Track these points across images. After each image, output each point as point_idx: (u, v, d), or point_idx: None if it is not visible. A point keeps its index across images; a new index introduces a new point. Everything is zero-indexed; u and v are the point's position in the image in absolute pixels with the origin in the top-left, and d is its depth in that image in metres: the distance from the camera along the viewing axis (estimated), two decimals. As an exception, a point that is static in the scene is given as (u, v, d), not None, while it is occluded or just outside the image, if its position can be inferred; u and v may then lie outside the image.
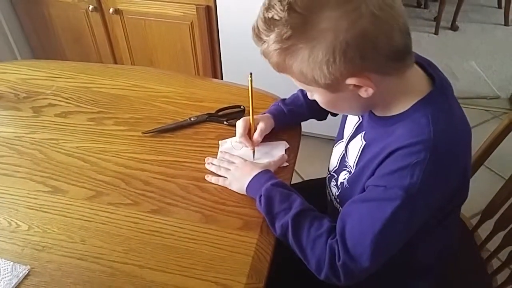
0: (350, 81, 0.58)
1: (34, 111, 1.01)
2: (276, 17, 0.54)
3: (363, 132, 0.72)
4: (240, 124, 0.87)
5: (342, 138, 0.81)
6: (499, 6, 3.07)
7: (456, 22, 2.91)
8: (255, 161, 0.86)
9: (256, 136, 0.86)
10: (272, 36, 0.56)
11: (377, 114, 0.68)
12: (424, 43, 2.79)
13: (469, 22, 2.99)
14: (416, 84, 0.64)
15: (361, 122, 0.75)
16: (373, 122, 0.69)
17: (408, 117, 0.62)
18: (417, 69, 0.65)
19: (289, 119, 0.92)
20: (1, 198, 0.80)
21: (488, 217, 0.98)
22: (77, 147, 0.91)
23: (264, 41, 0.58)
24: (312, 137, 1.71)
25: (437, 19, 2.85)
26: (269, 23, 0.55)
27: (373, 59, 0.56)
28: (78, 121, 0.98)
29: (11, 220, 0.75)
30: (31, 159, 0.88)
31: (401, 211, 0.59)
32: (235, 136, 0.91)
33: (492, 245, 0.96)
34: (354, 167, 0.73)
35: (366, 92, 0.59)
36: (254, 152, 0.87)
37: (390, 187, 0.60)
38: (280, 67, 0.60)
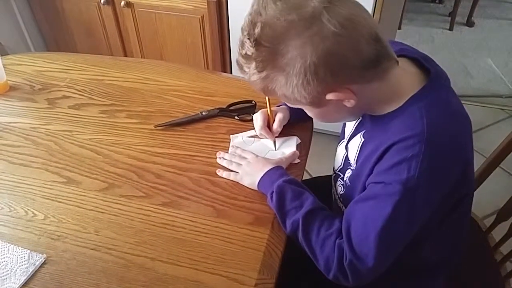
0: (330, 96, 0.61)
1: (49, 102, 1.02)
2: (248, 53, 0.59)
3: (363, 131, 0.73)
4: (258, 116, 0.89)
5: (344, 138, 0.81)
6: (517, 2, 3.01)
7: (472, 18, 2.85)
8: (266, 156, 0.86)
9: (276, 126, 0.88)
10: (251, 69, 0.61)
11: (373, 114, 0.69)
12: (437, 39, 2.75)
13: (485, 18, 2.94)
14: (406, 81, 0.64)
15: (360, 121, 0.76)
16: (371, 120, 0.71)
17: (402, 113, 0.63)
18: (408, 65, 0.66)
19: (303, 111, 0.92)
20: (18, 187, 0.81)
21: (504, 218, 0.96)
22: (90, 139, 0.92)
23: (246, 73, 0.63)
24: (321, 133, 1.70)
25: (452, 15, 2.80)
26: (245, 58, 0.61)
27: (346, 73, 0.59)
28: (91, 113, 0.99)
29: (28, 209, 0.77)
30: (46, 150, 0.89)
31: (402, 206, 0.59)
32: (247, 131, 0.92)
33: (506, 248, 0.95)
34: (355, 164, 0.73)
35: (349, 103, 0.62)
36: (275, 142, 0.89)
37: (388, 183, 0.60)
38: (266, 92, 0.65)
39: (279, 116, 0.88)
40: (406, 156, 0.59)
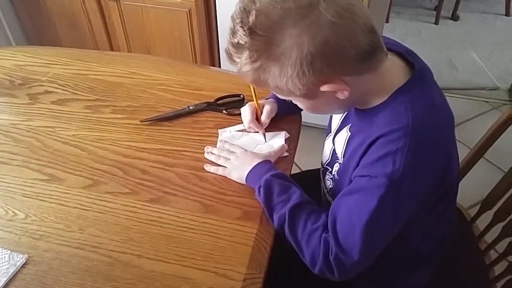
0: (324, 88, 0.60)
1: (30, 98, 0.99)
2: (241, 41, 0.57)
3: (349, 124, 0.73)
4: (246, 109, 0.88)
5: (331, 132, 0.81)
6: (501, -4, 3.05)
7: (457, 12, 2.88)
8: (255, 150, 0.85)
9: (264, 118, 0.87)
10: (242, 58, 0.59)
11: (360, 108, 0.69)
12: (424, 32, 2.77)
13: (470, 12, 2.97)
14: (394, 74, 0.64)
15: (346, 115, 0.76)
16: (357, 114, 0.70)
17: (387, 106, 0.63)
18: (394, 59, 0.66)
19: (291, 104, 0.91)
20: (-4, 186, 0.79)
21: (487, 208, 0.98)
22: (73, 135, 0.89)
23: (237, 63, 0.60)
24: (310, 127, 1.70)
25: (437, 9, 2.83)
26: (237, 47, 0.58)
27: (342, 65, 0.58)
28: (74, 109, 0.96)
29: (8, 208, 0.74)
30: (27, 147, 0.86)
31: (387, 199, 0.59)
32: (235, 125, 0.91)
33: (490, 237, 0.96)
34: (342, 158, 0.73)
35: (342, 94, 0.61)
36: (265, 135, 0.88)
37: (374, 176, 0.60)
38: (257, 84, 0.63)
39: (266, 108, 0.88)
40: (391, 150, 0.58)
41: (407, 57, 0.66)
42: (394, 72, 0.64)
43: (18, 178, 0.80)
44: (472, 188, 1.16)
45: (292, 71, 0.57)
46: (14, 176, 0.80)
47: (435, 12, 2.87)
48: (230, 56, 0.61)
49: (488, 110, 2.12)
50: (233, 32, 0.57)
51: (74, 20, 1.88)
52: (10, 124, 0.92)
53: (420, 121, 0.59)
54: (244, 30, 0.56)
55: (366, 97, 0.66)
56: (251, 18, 0.55)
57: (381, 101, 0.64)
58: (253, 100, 0.87)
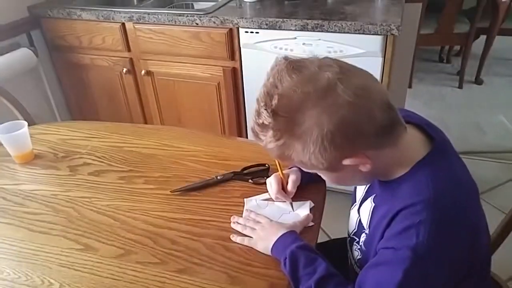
0: (346, 161, 0.63)
1: (70, 169, 1.07)
2: (265, 122, 0.62)
3: (374, 195, 0.74)
4: (272, 180, 0.91)
5: (356, 201, 0.82)
6: (523, 59, 3.09)
7: (480, 76, 2.92)
8: (280, 220, 0.87)
9: (290, 188, 0.89)
10: (267, 137, 0.63)
11: (382, 180, 0.71)
12: (448, 97, 2.80)
13: (493, 75, 3.00)
14: (415, 147, 0.67)
15: (370, 185, 0.77)
16: (380, 185, 0.72)
17: (410, 178, 0.65)
18: (414, 132, 0.69)
19: (314, 174, 0.94)
20: (36, 255, 0.82)
21: (527, 281, 0.93)
22: (107, 205, 0.94)
23: (263, 140, 0.65)
24: (337, 192, 1.69)
25: (460, 73, 2.88)
26: (262, 126, 0.63)
27: (361, 140, 0.61)
28: (109, 180, 1.02)
29: (44, 277, 0.77)
30: (66, 217, 0.91)
31: (412, 272, 0.59)
32: (260, 194, 0.93)
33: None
34: (368, 229, 0.73)
35: (364, 167, 0.64)
36: (292, 204, 0.90)
37: (398, 248, 0.60)
38: (282, 159, 0.67)
39: (292, 178, 0.90)
40: (414, 222, 0.59)
41: (427, 129, 0.68)
42: (414, 145, 0.67)
43: (56, 248, 0.84)
44: (510, 258, 1.11)
45: (314, 148, 0.61)
46: (53, 246, 0.84)
47: (458, 77, 2.91)
48: (256, 135, 0.66)
49: (519, 174, 2.05)
50: (258, 114, 0.63)
51: (112, 94, 2.04)
52: (51, 194, 0.98)
53: (442, 193, 0.60)
54: (268, 112, 0.61)
55: (388, 169, 0.68)
56: (274, 102, 0.60)
57: (403, 173, 0.66)
58: (278, 171, 0.90)
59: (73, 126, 1.26)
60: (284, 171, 0.91)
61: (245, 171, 1.01)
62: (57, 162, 1.10)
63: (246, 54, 1.69)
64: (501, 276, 1.03)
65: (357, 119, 0.59)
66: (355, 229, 0.80)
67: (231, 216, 0.88)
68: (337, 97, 0.58)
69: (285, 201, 0.90)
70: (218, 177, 0.99)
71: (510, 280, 1.12)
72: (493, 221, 0.98)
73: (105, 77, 2.00)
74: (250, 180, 0.98)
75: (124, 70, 1.90)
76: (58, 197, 0.98)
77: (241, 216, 0.88)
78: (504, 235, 0.99)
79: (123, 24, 1.80)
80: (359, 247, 0.77)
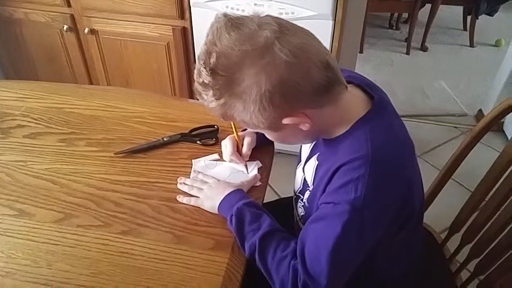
0: (286, 121, 0.64)
1: (1, 132, 0.99)
2: (205, 81, 0.61)
3: (318, 153, 0.76)
4: (227, 142, 0.89)
5: (301, 160, 0.84)
6: (465, 29, 3.23)
7: (425, 43, 3.03)
8: (228, 179, 0.86)
9: (245, 150, 0.89)
10: (209, 96, 0.63)
11: (325, 137, 0.72)
12: (396, 62, 2.90)
13: (437, 43, 3.13)
14: (355, 106, 0.68)
15: (315, 144, 0.79)
16: (323, 143, 0.74)
17: (349, 136, 0.67)
18: (355, 91, 0.70)
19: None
20: (-37, 223, 0.77)
21: (456, 230, 1.00)
22: (46, 168, 0.89)
23: (205, 100, 0.65)
24: (290, 155, 1.72)
25: (408, 40, 2.98)
26: (203, 85, 0.63)
27: (299, 99, 0.62)
28: (48, 142, 0.96)
29: (-26, 245, 0.73)
30: (-3, 182, 0.86)
31: (351, 225, 0.61)
32: (209, 155, 0.92)
33: (460, 258, 0.98)
34: (311, 186, 0.75)
35: (304, 126, 0.65)
36: (246, 166, 0.89)
37: (337, 203, 0.63)
38: (225, 118, 0.67)
39: (247, 140, 0.90)
40: (353, 177, 0.61)
41: (366, 89, 0.70)
42: (354, 104, 0.68)
43: (-14, 214, 0.79)
44: (443, 211, 1.19)
45: (254, 107, 0.61)
46: (-18, 212, 0.79)
47: (405, 43, 3.01)
48: (199, 93, 0.65)
49: (457, 136, 2.20)
50: (199, 72, 0.62)
51: (52, 53, 1.90)
52: (-19, 159, 0.91)
53: (380, 149, 0.62)
54: (206, 71, 0.60)
55: (329, 128, 0.69)
56: (212, 59, 0.59)
57: (344, 131, 0.67)
58: (233, 133, 0.89)
59: (4, 86, 1.15)
60: (239, 133, 0.90)
61: (193, 133, 0.99)
62: (-14, 125, 1.01)
63: (197, 13, 1.61)
64: (435, 229, 1.11)
65: (294, 78, 0.59)
66: (300, 187, 0.82)
67: (178, 177, 0.87)
68: (274, 56, 0.58)
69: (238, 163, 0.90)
70: (165, 139, 0.97)
71: (443, 232, 1.21)
72: (431, 179, 1.05)
73: (42, 35, 1.84)
74: (198, 142, 0.96)
75: (65, 27, 1.76)
76: (-12, 161, 0.91)
77: (189, 178, 0.87)
78: (438, 190, 1.05)
79: (60, -25, 1.65)
80: (303, 204, 0.79)
